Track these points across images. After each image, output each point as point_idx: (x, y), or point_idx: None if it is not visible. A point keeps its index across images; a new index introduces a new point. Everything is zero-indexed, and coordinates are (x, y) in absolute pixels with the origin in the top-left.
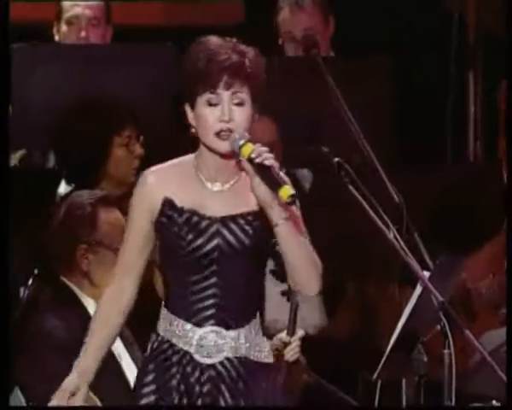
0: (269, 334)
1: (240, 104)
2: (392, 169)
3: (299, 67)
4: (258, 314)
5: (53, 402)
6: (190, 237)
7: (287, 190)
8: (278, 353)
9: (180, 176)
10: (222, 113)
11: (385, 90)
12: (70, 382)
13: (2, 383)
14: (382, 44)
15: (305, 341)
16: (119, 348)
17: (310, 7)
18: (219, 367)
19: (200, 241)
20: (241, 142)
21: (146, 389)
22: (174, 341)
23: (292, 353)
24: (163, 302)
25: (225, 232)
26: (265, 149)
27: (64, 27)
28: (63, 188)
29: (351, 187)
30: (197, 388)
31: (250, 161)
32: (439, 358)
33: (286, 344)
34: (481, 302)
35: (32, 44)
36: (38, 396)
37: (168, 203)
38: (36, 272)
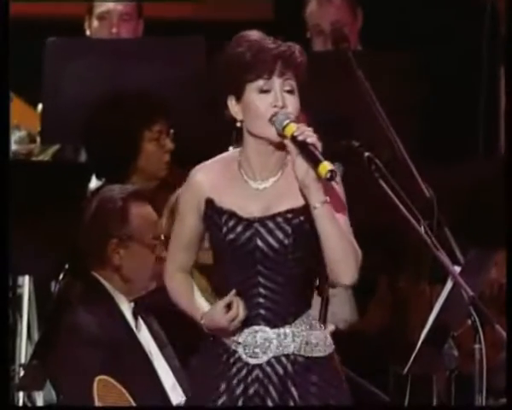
0: None
1: (290, 92)
2: (422, 163)
3: (328, 60)
4: (309, 310)
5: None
6: (230, 237)
7: (326, 166)
8: None
9: (224, 173)
10: (275, 99)
11: (416, 84)
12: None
13: (2, 382)
14: (413, 37)
15: (336, 335)
16: (151, 346)
17: (337, 0)
18: (266, 367)
19: (239, 242)
20: (286, 122)
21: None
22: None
23: None
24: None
25: (264, 233)
26: (309, 128)
27: (95, 22)
28: (94, 183)
29: (381, 181)
30: (243, 388)
31: (293, 139)
32: (469, 352)
33: None
34: None
35: (64, 39)
36: (69, 391)
37: (210, 203)
38: (67, 266)
